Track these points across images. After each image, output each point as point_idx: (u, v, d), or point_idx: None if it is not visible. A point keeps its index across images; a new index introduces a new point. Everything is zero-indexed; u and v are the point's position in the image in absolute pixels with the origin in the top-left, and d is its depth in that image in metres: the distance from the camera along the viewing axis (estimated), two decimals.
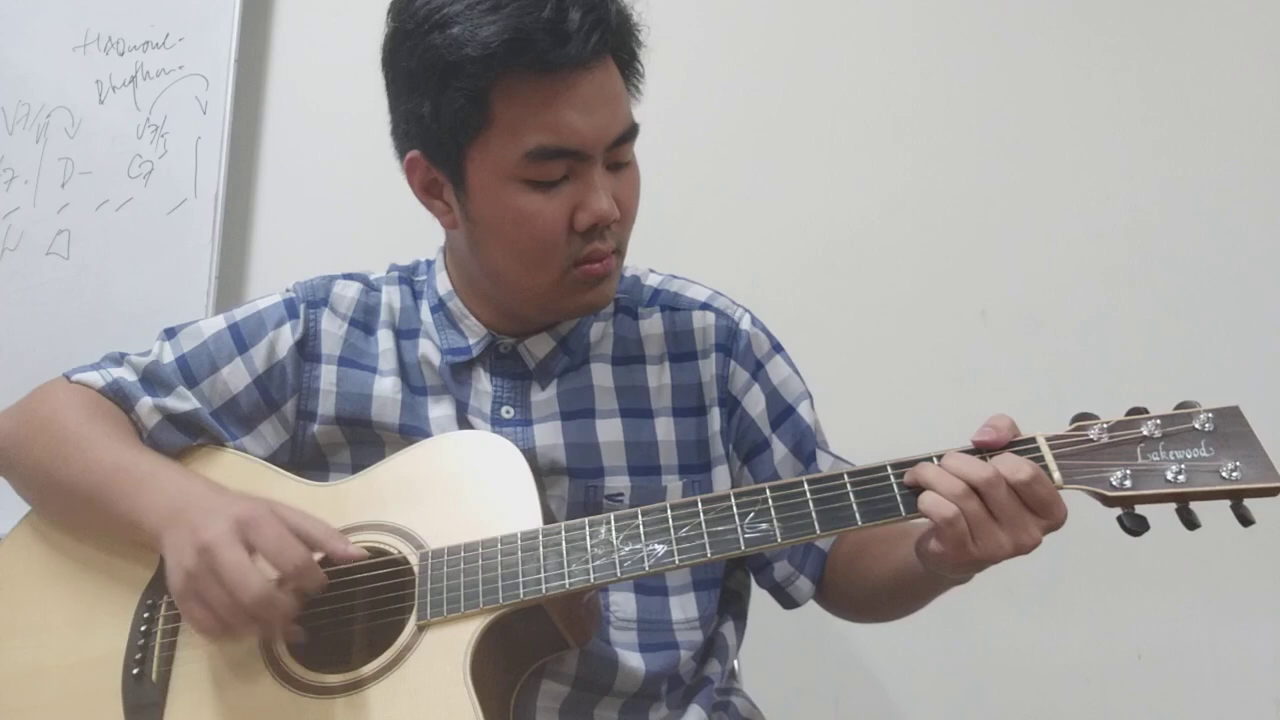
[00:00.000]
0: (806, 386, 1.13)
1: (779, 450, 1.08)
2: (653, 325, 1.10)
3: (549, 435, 1.03)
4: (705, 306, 1.11)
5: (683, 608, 1.03)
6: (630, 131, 0.96)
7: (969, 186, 1.68)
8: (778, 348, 1.13)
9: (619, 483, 1.02)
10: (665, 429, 1.06)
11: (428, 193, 1.01)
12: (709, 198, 1.67)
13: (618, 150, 0.95)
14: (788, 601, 1.10)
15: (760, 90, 1.73)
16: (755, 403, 1.09)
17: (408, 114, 0.96)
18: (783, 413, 1.09)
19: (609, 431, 1.04)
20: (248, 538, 0.85)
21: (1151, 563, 1.56)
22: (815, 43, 1.75)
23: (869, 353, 1.66)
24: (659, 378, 1.07)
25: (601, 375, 1.06)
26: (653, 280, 1.14)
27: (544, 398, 1.05)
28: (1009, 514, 0.81)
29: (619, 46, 0.95)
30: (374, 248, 1.69)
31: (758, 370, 1.10)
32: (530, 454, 0.97)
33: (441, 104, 0.91)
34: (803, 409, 1.11)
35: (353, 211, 1.76)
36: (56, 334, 1.69)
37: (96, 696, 0.91)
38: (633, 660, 0.99)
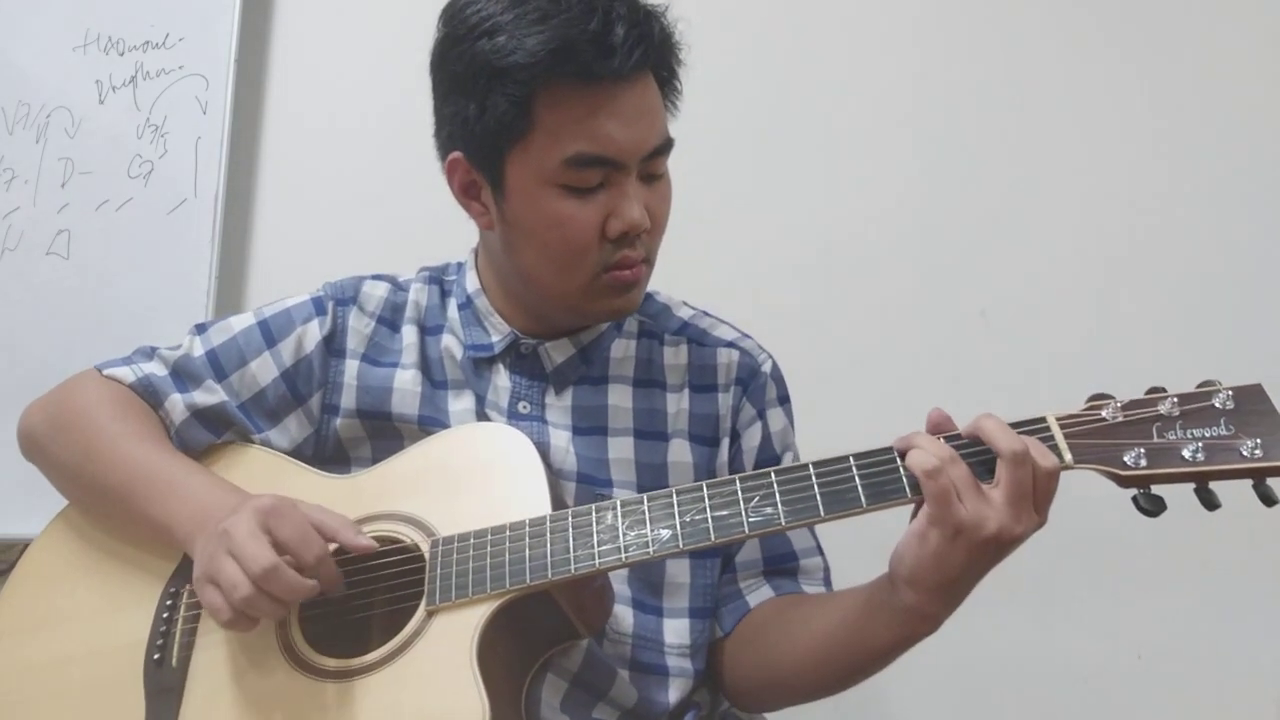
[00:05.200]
0: (795, 443, 1.15)
1: None
2: (678, 355, 1.12)
3: (560, 440, 1.05)
4: (732, 345, 1.14)
5: (676, 632, 1.03)
6: (665, 145, 0.99)
7: (969, 186, 1.68)
8: (784, 399, 1.15)
9: (627, 495, 1.02)
10: (679, 451, 1.08)
11: (466, 194, 1.03)
12: (709, 197, 1.67)
13: (652, 162, 0.98)
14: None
15: (759, 90, 1.73)
16: (752, 438, 1.11)
17: (452, 116, 0.99)
18: (769, 459, 1.11)
19: (620, 449, 1.06)
20: (268, 525, 0.87)
21: (1151, 563, 1.56)
22: (815, 42, 1.75)
23: (869, 353, 1.66)
24: (678, 404, 1.10)
25: (620, 396, 1.09)
26: (684, 313, 1.17)
27: (559, 404, 1.07)
28: (1015, 495, 0.80)
29: (659, 63, 0.98)
30: (374, 247, 1.70)
31: (763, 412, 1.12)
32: (543, 449, 0.98)
33: (486, 108, 0.94)
34: (785, 459, 1.13)
35: (353, 211, 1.77)
36: (56, 334, 1.69)
37: (119, 682, 0.93)
38: (624, 675, 1.00)
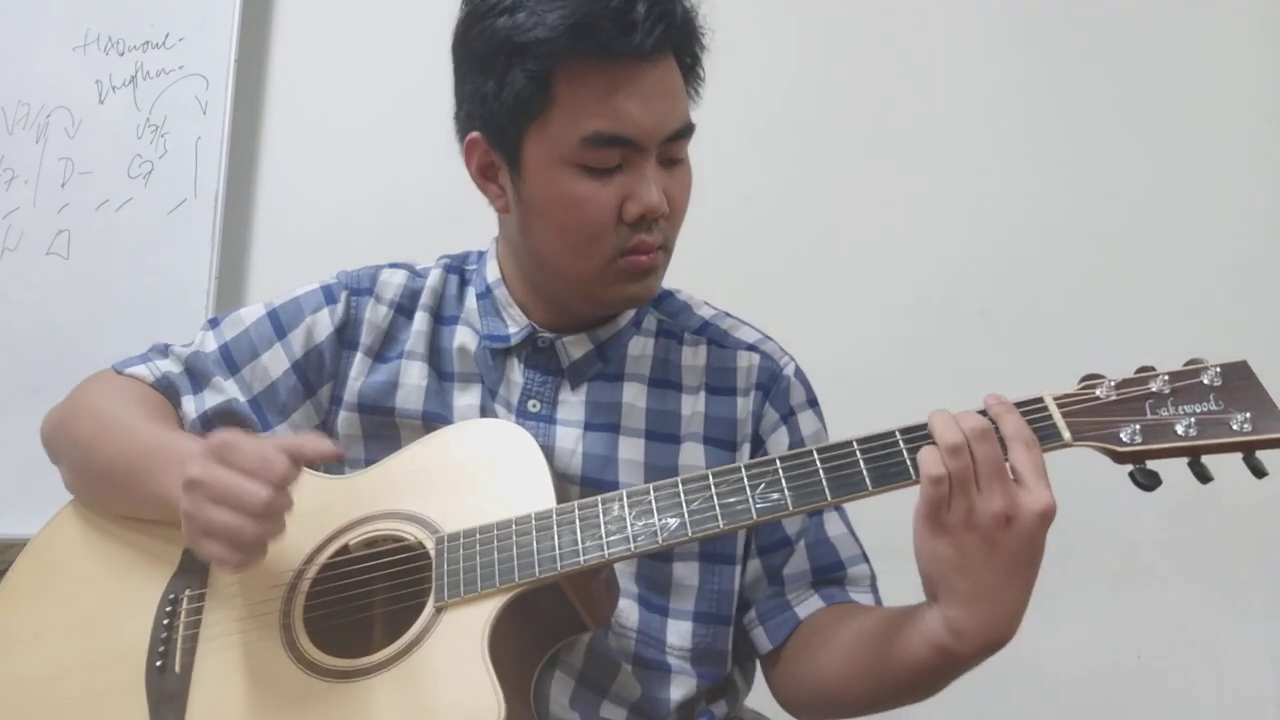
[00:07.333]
0: None
1: None
2: (696, 355, 1.10)
3: (569, 440, 1.04)
4: (752, 348, 1.11)
5: (678, 634, 1.02)
6: (686, 129, 0.97)
7: (969, 187, 1.68)
8: (813, 402, 1.12)
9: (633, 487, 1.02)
10: (691, 454, 1.06)
11: (483, 175, 1.02)
12: (709, 196, 1.66)
13: (672, 146, 0.97)
14: (748, 649, 1.07)
15: (760, 90, 1.73)
16: (778, 443, 1.08)
17: (471, 95, 0.98)
18: None
19: (630, 450, 1.05)
20: (225, 459, 0.84)
21: (1151, 562, 1.56)
22: (815, 43, 1.75)
23: (869, 353, 1.66)
24: (693, 406, 1.07)
25: (635, 394, 1.07)
26: (705, 312, 1.15)
27: (572, 400, 1.06)
28: (986, 471, 0.80)
29: (682, 46, 0.97)
30: (374, 247, 1.69)
31: (788, 416, 1.09)
32: (547, 452, 0.97)
33: (505, 84, 0.93)
34: None
35: (352, 211, 1.77)
36: (56, 334, 1.69)
37: (121, 691, 0.91)
38: (628, 669, 0.99)
